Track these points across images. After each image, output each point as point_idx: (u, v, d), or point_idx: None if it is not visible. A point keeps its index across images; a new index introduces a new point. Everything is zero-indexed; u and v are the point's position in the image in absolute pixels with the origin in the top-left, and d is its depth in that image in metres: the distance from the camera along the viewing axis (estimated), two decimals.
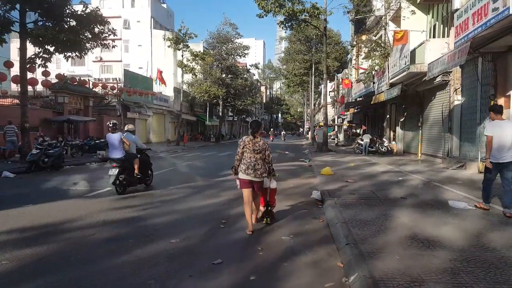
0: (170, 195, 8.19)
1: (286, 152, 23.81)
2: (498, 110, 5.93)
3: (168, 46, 31.03)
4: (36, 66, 14.84)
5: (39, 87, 24.16)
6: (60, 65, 52.00)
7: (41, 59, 14.08)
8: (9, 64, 17.72)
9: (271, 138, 50.42)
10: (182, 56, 31.87)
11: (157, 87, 39.38)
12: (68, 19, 14.03)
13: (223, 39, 45.08)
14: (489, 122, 6.10)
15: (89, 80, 27.93)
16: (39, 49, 13.88)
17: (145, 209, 6.78)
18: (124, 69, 32.79)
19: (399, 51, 16.02)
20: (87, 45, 16.27)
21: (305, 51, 41.12)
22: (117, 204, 7.14)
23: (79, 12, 13.96)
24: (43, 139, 16.82)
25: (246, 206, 5.32)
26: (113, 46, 16.85)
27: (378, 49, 18.91)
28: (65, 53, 14.50)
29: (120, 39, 49.56)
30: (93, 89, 26.34)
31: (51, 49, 13.96)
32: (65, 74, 23.70)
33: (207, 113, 43.26)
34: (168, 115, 39.72)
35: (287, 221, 5.95)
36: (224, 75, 45.25)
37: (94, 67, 50.84)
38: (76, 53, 15.93)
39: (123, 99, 29.75)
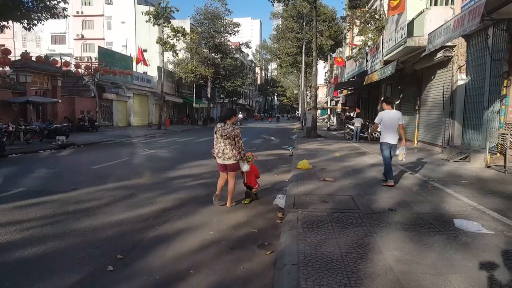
0: (88, 201, 6.25)
1: (272, 138, 21.91)
2: (389, 102, 7.29)
3: (146, 21, 28.44)
4: None
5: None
6: (40, 43, 49.26)
7: None
8: None
9: (270, 120, 61.24)
10: (163, 32, 29.40)
11: (140, 67, 36.94)
12: None
13: (211, 15, 42.34)
14: (381, 111, 7.23)
15: (45, 56, 25.01)
16: None
17: (32, 227, 4.87)
18: (99, 46, 30.24)
19: (395, 23, 13.88)
20: (39, 15, 14.06)
21: (297, 29, 38.53)
22: (2, 218, 5.22)
23: None
24: None
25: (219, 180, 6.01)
26: (65, 16, 14.55)
27: (372, 22, 16.73)
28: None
29: (102, 15, 46.82)
30: (62, 67, 23.93)
31: None
32: (27, 51, 21.21)
33: (194, 94, 40.95)
34: (151, 97, 37.37)
35: (221, 252, 4.06)
36: (212, 54, 42.72)
37: (76, 45, 48.06)
38: (23, 23, 13.70)
39: (98, 78, 27.46)
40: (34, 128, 16.95)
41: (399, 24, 13.46)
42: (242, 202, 6.13)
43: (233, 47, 47.56)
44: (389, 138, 6.94)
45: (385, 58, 15.54)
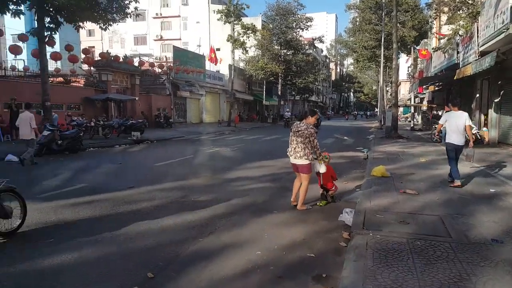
0: (140, 201, 5.97)
1: (345, 138, 20.41)
2: (455, 103, 7.12)
3: (218, 19, 28.79)
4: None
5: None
6: (124, 45, 53.34)
7: (49, 30, 12.64)
8: (23, 38, 16.51)
9: (346, 117, 62.12)
10: (233, 29, 29.50)
11: (214, 65, 37.82)
12: None
13: (283, 11, 41.60)
14: (445, 113, 7.70)
15: (124, 56, 26.29)
16: (49, 19, 12.47)
17: (76, 228, 4.63)
18: (174, 46, 31.45)
19: (493, 7, 11.63)
20: (114, 15, 14.75)
21: (376, 20, 35.83)
22: (51, 217, 5.11)
23: None
24: (71, 119, 16.09)
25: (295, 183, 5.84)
26: (137, 15, 15.07)
27: (463, 7, 14.44)
28: (76, 23, 12.91)
29: (179, 16, 49.07)
30: (140, 67, 25.32)
31: (60, 18, 12.47)
32: (108, 51, 22.72)
33: (264, 91, 40.69)
34: (223, 94, 38.06)
35: (265, 282, 3.30)
36: (284, 51, 42.01)
37: (155, 46, 51.06)
38: (100, 24, 14.41)
39: (173, 77, 28.57)
40: (111, 124, 18.04)
41: (499, 8, 11.22)
42: (317, 204, 5.86)
43: (305, 42, 46.26)
44: (455, 139, 6.89)
45: (481, 49, 13.25)
